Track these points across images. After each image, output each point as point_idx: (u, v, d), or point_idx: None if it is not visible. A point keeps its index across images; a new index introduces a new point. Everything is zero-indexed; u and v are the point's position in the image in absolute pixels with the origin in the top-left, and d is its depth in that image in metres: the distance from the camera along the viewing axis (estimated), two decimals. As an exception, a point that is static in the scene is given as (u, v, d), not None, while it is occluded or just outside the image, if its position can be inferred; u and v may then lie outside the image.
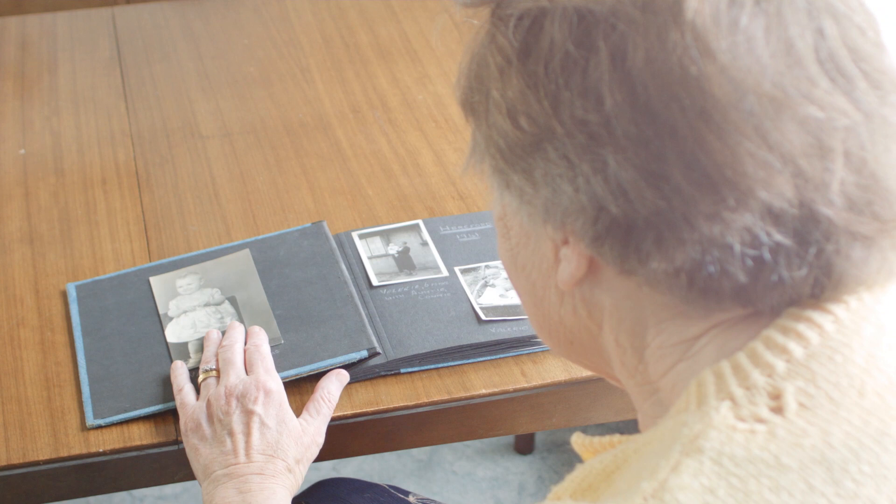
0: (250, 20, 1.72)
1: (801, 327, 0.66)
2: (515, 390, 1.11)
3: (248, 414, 1.03)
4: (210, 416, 1.04)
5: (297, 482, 1.03)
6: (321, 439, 1.06)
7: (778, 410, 0.64)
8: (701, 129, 0.63)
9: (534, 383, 1.11)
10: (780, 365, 0.65)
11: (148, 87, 1.57)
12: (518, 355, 1.14)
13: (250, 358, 1.09)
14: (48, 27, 1.71)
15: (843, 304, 0.67)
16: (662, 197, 0.64)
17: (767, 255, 0.64)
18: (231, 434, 1.02)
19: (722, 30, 0.63)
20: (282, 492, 1.00)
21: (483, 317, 1.15)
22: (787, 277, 0.65)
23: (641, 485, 0.62)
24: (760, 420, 0.64)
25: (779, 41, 0.63)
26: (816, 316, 0.67)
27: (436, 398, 1.10)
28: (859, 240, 0.65)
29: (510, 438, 2.18)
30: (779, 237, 0.64)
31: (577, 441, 0.79)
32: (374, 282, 1.20)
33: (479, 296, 1.18)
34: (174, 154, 1.44)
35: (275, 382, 1.06)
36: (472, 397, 1.11)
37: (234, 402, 1.04)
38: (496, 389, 1.11)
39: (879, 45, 0.66)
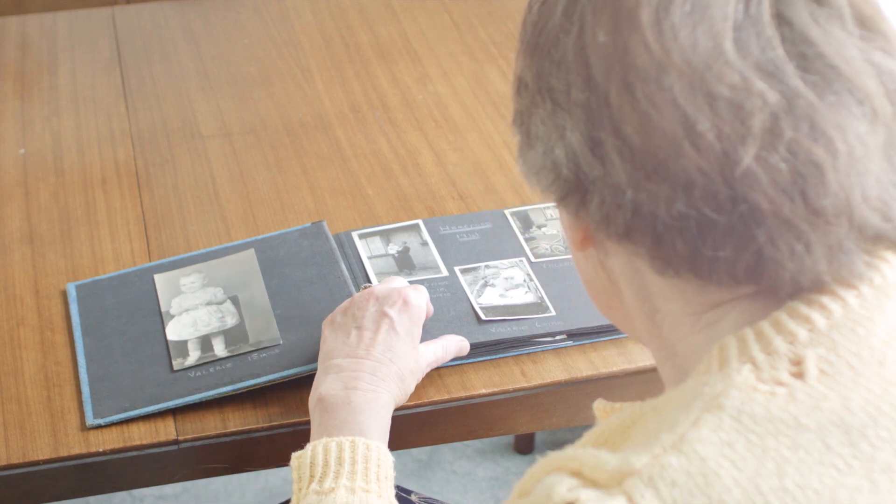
0: (250, 20, 1.72)
1: (825, 300, 0.68)
2: (515, 390, 1.11)
3: (381, 315, 1.05)
4: (345, 309, 1.07)
5: (404, 393, 1.04)
6: (423, 374, 1.08)
7: (798, 376, 0.66)
8: (623, 99, 0.66)
9: (534, 383, 1.11)
10: (802, 333, 0.67)
11: (148, 87, 1.57)
12: (518, 355, 1.14)
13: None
14: (48, 27, 1.71)
15: (866, 280, 0.69)
16: (600, 162, 0.68)
17: (693, 228, 0.66)
18: (359, 328, 1.05)
19: (652, 5, 0.66)
20: (386, 398, 1.01)
21: (483, 317, 1.15)
22: (711, 254, 0.67)
23: (661, 436, 0.64)
24: (781, 383, 0.65)
25: (702, 20, 0.65)
26: (840, 290, 0.68)
27: (436, 398, 1.10)
28: (792, 231, 0.65)
29: (510, 438, 2.18)
30: (705, 210, 0.65)
31: (599, 406, 0.82)
32: (375, 282, 1.20)
33: (479, 296, 1.18)
34: (174, 154, 1.44)
35: (418, 297, 1.07)
36: (472, 397, 1.11)
37: (371, 301, 1.06)
38: (496, 389, 1.11)
39: (847, 28, 0.66)
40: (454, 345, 1.11)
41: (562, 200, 0.73)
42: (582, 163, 0.69)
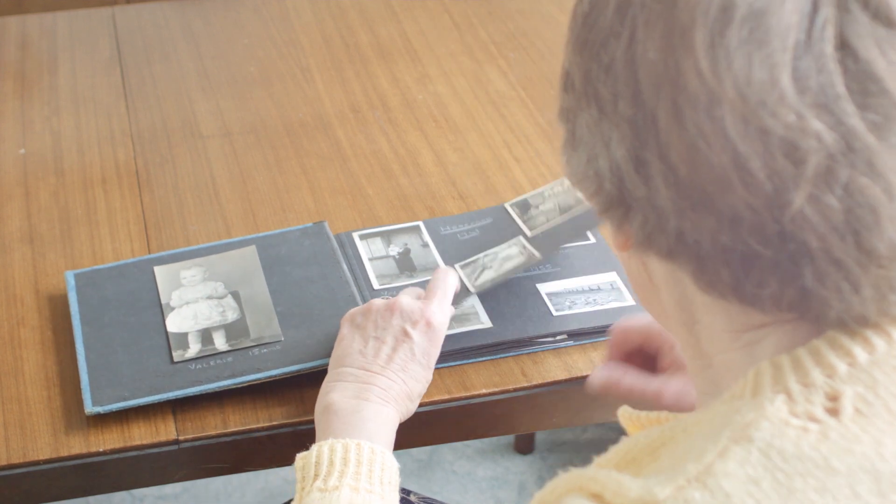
0: (250, 20, 1.72)
1: (869, 333, 0.66)
2: (515, 390, 1.11)
3: (403, 333, 1.04)
4: (367, 312, 1.06)
5: (409, 412, 1.04)
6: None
7: (833, 413, 0.64)
8: (672, 125, 0.64)
9: (534, 383, 1.11)
10: (842, 367, 0.65)
11: (148, 87, 1.57)
12: (518, 355, 1.14)
13: (431, 285, 1.09)
14: (48, 27, 1.71)
15: None
16: (644, 183, 0.66)
17: (738, 260, 0.64)
18: (378, 340, 1.04)
19: (707, 28, 0.63)
20: (395, 416, 1.01)
21: (473, 291, 1.15)
22: (753, 291, 0.65)
23: (686, 466, 0.62)
24: (814, 419, 0.63)
25: (760, 46, 0.62)
26: (885, 324, 0.66)
27: (436, 398, 1.10)
28: (841, 271, 0.63)
29: (510, 438, 2.18)
30: (753, 245, 0.63)
31: (624, 414, 0.81)
32: (375, 285, 1.20)
33: (476, 279, 1.18)
34: (174, 154, 1.44)
35: (440, 318, 1.06)
36: (472, 397, 1.11)
37: (396, 315, 1.05)
38: (496, 389, 1.11)
39: None
40: (448, 286, 1.10)
41: (604, 213, 0.71)
42: (626, 180, 0.67)
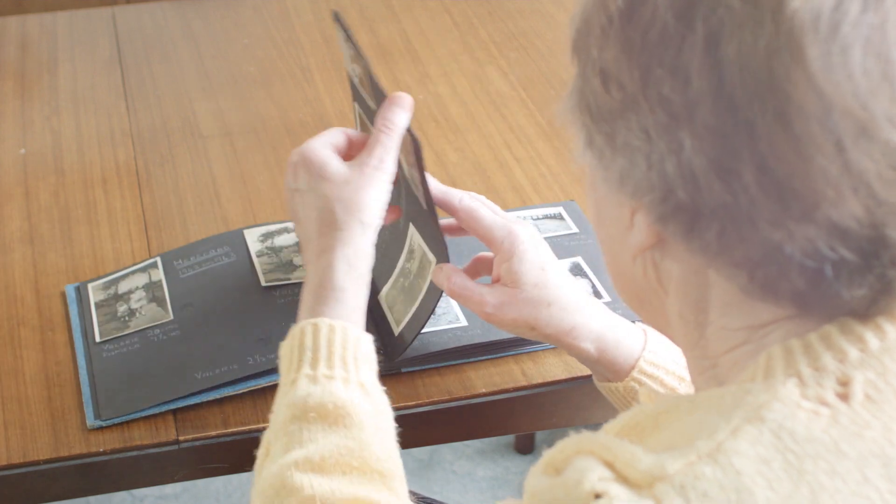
0: (250, 20, 1.72)
1: (881, 320, 0.66)
2: (515, 390, 1.11)
3: (291, 193, 1.01)
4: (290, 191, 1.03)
5: (364, 230, 0.98)
6: (375, 193, 1.01)
7: (844, 397, 0.64)
8: (777, 135, 0.61)
9: (534, 383, 1.11)
10: (853, 353, 0.65)
11: (148, 87, 1.57)
12: (518, 354, 1.13)
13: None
14: (48, 27, 1.71)
15: None
16: (730, 192, 0.63)
17: (829, 270, 0.63)
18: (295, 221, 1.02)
19: (819, 35, 0.60)
20: (339, 266, 0.96)
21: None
22: (846, 294, 0.64)
23: (697, 443, 0.62)
24: (825, 403, 0.64)
25: (877, 57, 0.61)
26: None
27: (436, 398, 1.10)
28: None
29: (510, 438, 2.18)
30: (844, 253, 0.63)
31: (643, 393, 0.82)
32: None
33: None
34: (174, 154, 1.44)
35: (308, 145, 1.01)
36: (472, 397, 1.11)
37: (302, 177, 1.01)
38: (496, 389, 1.11)
39: None
40: (394, 112, 1.04)
41: (661, 220, 0.68)
42: (704, 188, 0.64)
